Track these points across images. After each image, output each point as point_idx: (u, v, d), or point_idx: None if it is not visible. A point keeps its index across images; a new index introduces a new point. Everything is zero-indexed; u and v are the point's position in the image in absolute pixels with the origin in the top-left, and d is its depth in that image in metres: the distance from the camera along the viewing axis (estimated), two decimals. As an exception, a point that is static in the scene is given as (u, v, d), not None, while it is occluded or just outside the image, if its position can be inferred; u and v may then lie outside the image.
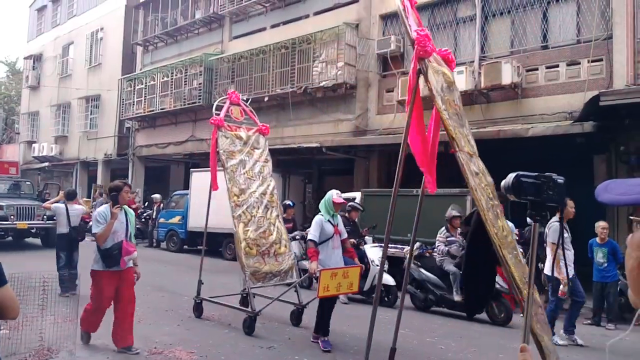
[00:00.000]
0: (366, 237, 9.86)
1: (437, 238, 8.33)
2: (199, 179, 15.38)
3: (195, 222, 15.06)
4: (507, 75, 10.35)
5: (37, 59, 29.21)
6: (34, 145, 27.72)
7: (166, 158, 21.11)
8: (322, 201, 6.01)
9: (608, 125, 9.11)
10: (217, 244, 14.79)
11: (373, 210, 10.51)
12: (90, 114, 24.28)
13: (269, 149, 14.93)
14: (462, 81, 10.85)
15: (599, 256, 7.52)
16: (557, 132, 9.51)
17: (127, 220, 5.46)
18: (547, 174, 2.29)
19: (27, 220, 14.03)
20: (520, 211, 9.33)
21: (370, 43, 13.20)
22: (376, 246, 9.32)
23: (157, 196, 17.54)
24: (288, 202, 11.14)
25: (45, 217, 14.11)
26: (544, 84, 10.56)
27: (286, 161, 16.18)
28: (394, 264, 9.98)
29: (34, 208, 14.28)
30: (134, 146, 21.61)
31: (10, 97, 37.13)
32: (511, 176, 2.24)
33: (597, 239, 7.49)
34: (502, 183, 2.28)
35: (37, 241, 15.39)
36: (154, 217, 17.10)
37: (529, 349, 0.88)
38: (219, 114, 7.04)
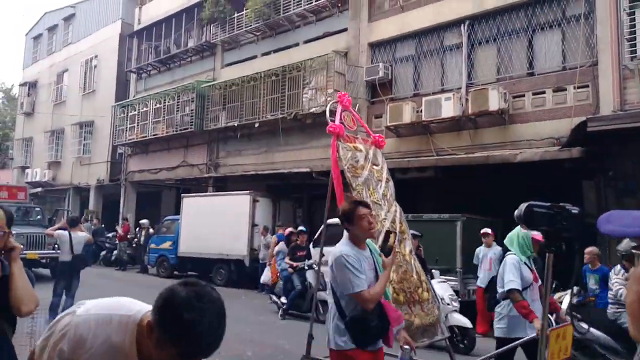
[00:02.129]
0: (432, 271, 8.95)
1: (613, 280, 5.93)
2: (190, 204, 15.38)
3: (186, 247, 14.99)
4: (494, 101, 10.42)
5: (32, 85, 29.38)
6: (27, 170, 27.65)
7: (158, 183, 21.05)
8: (513, 238, 4.51)
9: (596, 151, 9.14)
10: (207, 270, 14.67)
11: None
12: (84, 140, 24.31)
13: (261, 174, 15.19)
14: (450, 107, 10.93)
15: (591, 282, 7.44)
16: (545, 157, 9.53)
17: (375, 263, 3.23)
18: (560, 203, 2.23)
19: (37, 250, 12.79)
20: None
21: (359, 70, 13.33)
22: (443, 281, 8.47)
23: (144, 221, 17.44)
24: (302, 227, 10.75)
25: (56, 246, 13.02)
26: (531, 110, 10.62)
27: (277, 186, 16.16)
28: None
29: (44, 236, 13.01)
30: (127, 171, 21.55)
31: (4, 123, 37.22)
32: (523, 206, 2.17)
33: (589, 265, 7.43)
34: (515, 212, 2.21)
35: (47, 272, 13.78)
36: (141, 242, 16.95)
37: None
38: (333, 120, 5.57)
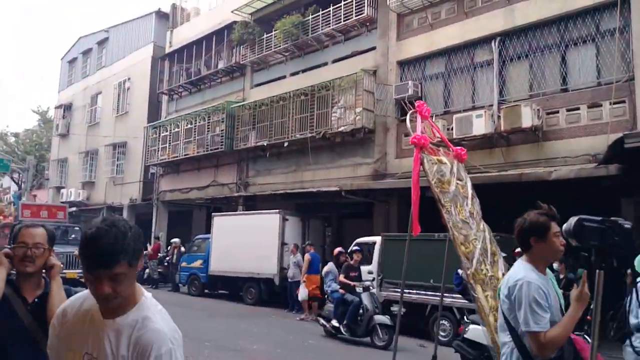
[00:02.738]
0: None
1: None
2: (220, 223, 15.51)
3: (217, 266, 15.09)
4: (527, 118, 10.28)
5: (67, 108, 30.36)
6: (62, 190, 28.41)
7: (189, 203, 21.34)
8: None
9: (634, 168, 8.88)
10: (238, 288, 14.71)
11: (394, 255, 10.32)
12: (117, 160, 24.90)
13: (290, 193, 15.25)
14: (482, 125, 10.83)
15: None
16: (581, 174, 9.31)
17: (557, 295, 2.62)
18: (612, 218, 2.15)
19: (77, 269, 12.51)
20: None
21: (388, 88, 13.36)
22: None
23: (175, 240, 17.67)
24: (355, 247, 10.19)
25: None
26: (566, 126, 10.43)
27: (306, 205, 16.19)
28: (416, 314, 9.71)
29: None
30: (158, 191, 21.96)
31: (41, 144, 38.45)
32: (573, 220, 2.09)
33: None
34: (564, 227, 2.13)
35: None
36: (173, 261, 17.14)
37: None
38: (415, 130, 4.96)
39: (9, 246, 2.40)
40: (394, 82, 13.37)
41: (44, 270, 2.41)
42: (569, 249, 2.40)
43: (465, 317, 8.41)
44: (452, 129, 11.47)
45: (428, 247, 9.57)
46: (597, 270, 2.17)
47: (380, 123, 13.67)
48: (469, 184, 5.14)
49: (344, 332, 9.12)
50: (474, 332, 6.45)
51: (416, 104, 5.17)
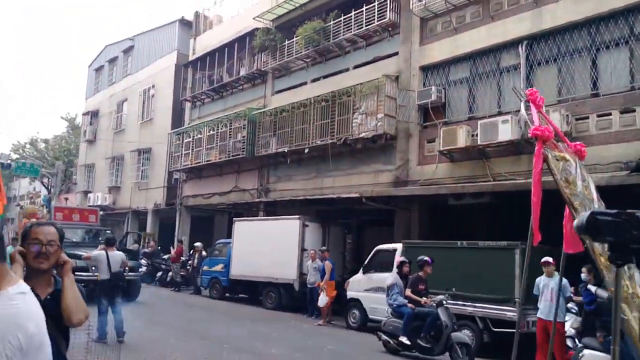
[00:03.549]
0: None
1: None
2: (241, 228, 15.57)
3: (237, 270, 15.14)
4: (556, 124, 9.92)
5: (94, 115, 31.01)
6: (89, 195, 29.01)
7: (211, 208, 21.46)
8: None
9: (669, 176, 8.49)
10: (258, 293, 14.72)
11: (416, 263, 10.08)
12: (142, 166, 25.28)
13: (310, 199, 15.15)
14: (508, 131, 10.53)
15: None
16: (612, 182, 8.93)
17: None
18: (628, 210, 1.95)
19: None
20: (573, 267, 8.66)
21: (411, 94, 13.15)
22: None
23: (198, 244, 17.78)
24: (426, 257, 8.83)
25: (126, 268, 13.41)
26: (596, 132, 10.05)
27: (326, 211, 16.06)
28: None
29: None
30: (181, 196, 22.14)
31: (69, 150, 39.36)
32: (585, 214, 1.92)
33: None
34: (575, 222, 1.95)
35: None
36: (195, 264, 17.23)
37: None
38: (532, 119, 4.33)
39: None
40: (416, 88, 13.15)
41: (54, 271, 2.48)
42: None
43: (577, 341, 7.87)
44: (476, 135, 11.19)
45: (450, 255, 9.32)
46: (614, 268, 1.98)
47: (402, 129, 13.46)
48: (592, 185, 4.47)
49: (416, 351, 8.36)
50: (592, 358, 5.78)
51: (527, 92, 4.51)
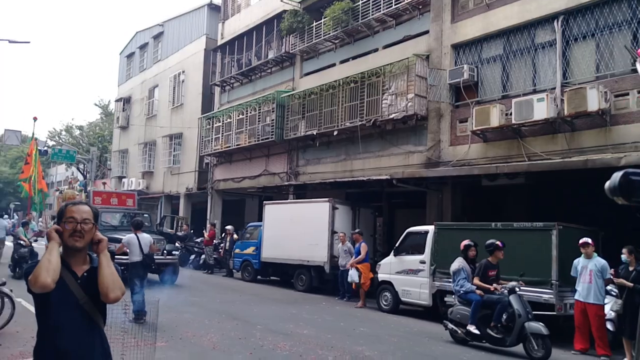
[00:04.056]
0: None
1: None
2: (272, 211, 15.69)
3: (268, 253, 15.31)
4: (594, 101, 9.60)
5: (126, 101, 31.63)
6: (123, 180, 29.76)
7: (241, 192, 21.71)
8: None
9: None
10: (289, 275, 14.90)
11: (449, 245, 10.01)
12: (174, 151, 25.73)
13: (340, 182, 15.13)
14: (543, 109, 10.23)
15: None
16: (654, 160, 8.61)
17: None
18: None
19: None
20: (612, 247, 8.43)
21: (442, 73, 12.90)
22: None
23: (229, 227, 18.03)
24: (496, 242, 8.16)
25: (165, 251, 13.16)
26: (636, 109, 9.67)
27: (356, 194, 16.03)
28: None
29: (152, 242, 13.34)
30: (212, 180, 22.46)
31: (103, 136, 40.31)
32: (618, 174, 1.84)
33: None
34: (607, 184, 1.86)
35: (155, 277, 13.32)
36: (226, 247, 17.51)
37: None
38: None
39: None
40: (448, 67, 12.89)
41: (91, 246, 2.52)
42: None
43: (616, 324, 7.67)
44: (510, 114, 10.93)
45: (484, 237, 9.17)
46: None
47: (433, 109, 13.25)
48: None
49: (485, 341, 7.90)
50: None
51: (638, 52, 4.24)
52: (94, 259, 2.51)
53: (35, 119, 20.55)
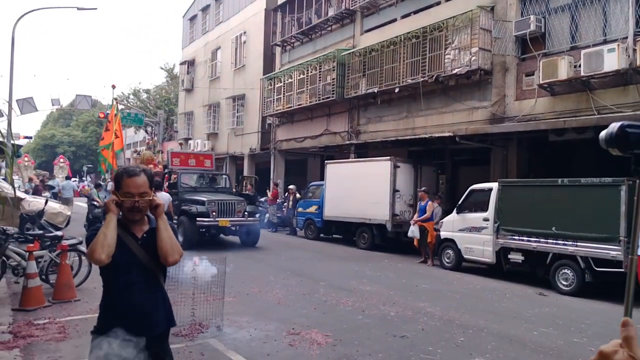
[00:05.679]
0: None
1: None
2: (333, 170, 15.97)
3: (331, 211, 15.72)
4: (673, 49, 9.06)
5: (190, 64, 32.57)
6: (190, 141, 31.05)
7: (303, 151, 22.14)
8: None
9: None
10: (351, 233, 15.24)
11: (513, 202, 9.99)
12: (237, 112, 26.46)
13: (401, 140, 15.16)
14: (614, 60, 9.78)
15: None
16: None
17: None
18: None
19: (228, 217, 12.73)
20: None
21: (507, 25, 12.46)
22: None
23: (291, 187, 18.56)
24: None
25: (245, 213, 13.15)
26: None
27: (418, 152, 16.03)
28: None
29: (234, 203, 13.00)
30: (275, 141, 23.07)
31: (169, 99, 41.86)
32: (614, 125, 1.98)
33: None
34: (602, 134, 2.02)
35: (236, 239, 14.13)
36: (289, 206, 18.10)
37: (631, 322, 0.87)
38: None
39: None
40: (513, 18, 12.42)
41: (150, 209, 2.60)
42: None
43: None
44: (579, 66, 10.51)
45: (550, 193, 9.10)
46: (639, 181, 2.03)
47: (498, 63, 12.90)
48: None
49: None
50: None
51: None
52: (152, 219, 2.60)
53: (113, 87, 21.88)
